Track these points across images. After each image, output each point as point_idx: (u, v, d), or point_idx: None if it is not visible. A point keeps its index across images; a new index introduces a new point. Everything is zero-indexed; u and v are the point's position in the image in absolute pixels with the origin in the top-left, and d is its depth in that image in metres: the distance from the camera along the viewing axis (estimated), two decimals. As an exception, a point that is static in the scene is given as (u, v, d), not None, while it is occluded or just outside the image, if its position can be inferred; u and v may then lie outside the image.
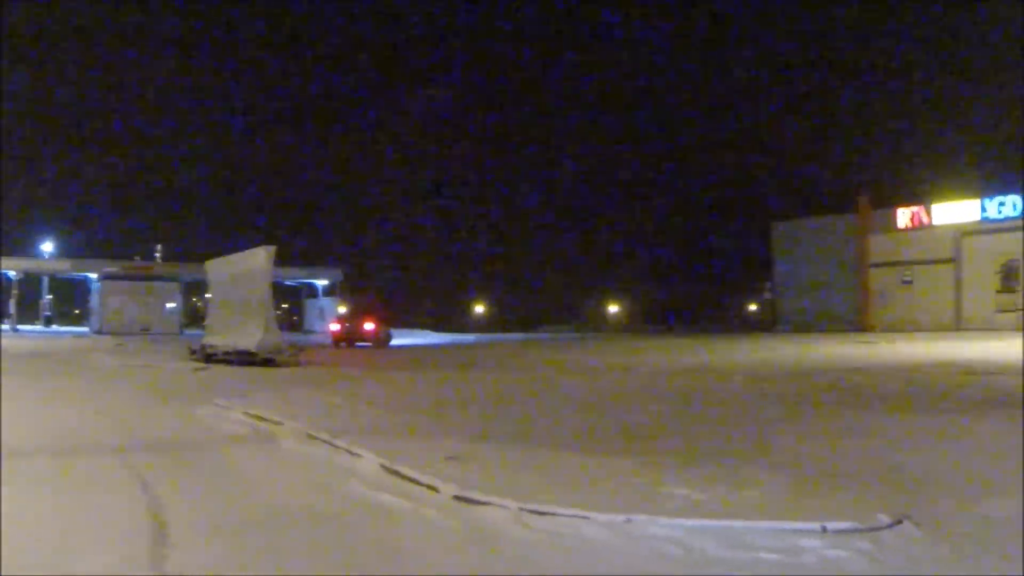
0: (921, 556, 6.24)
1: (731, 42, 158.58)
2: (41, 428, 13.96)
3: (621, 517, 7.01)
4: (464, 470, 9.16)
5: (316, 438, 11.81)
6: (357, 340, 54.79)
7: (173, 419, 15.20)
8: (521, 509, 7.37)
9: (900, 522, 6.79)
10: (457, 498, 7.98)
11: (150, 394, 19.75)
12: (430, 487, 8.48)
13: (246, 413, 14.76)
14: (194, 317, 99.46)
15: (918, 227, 69.40)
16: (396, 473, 9.24)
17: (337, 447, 11.02)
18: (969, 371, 22.66)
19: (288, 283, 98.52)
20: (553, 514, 7.20)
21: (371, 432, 12.32)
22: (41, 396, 19.57)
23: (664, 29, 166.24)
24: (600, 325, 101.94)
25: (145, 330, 78.70)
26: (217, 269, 36.75)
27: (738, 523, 6.82)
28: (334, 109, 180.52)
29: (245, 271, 32.88)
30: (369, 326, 54.70)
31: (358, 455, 10.33)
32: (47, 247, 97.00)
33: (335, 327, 58.57)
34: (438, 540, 6.92)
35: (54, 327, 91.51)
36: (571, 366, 29.41)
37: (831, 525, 6.67)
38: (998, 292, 64.58)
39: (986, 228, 64.77)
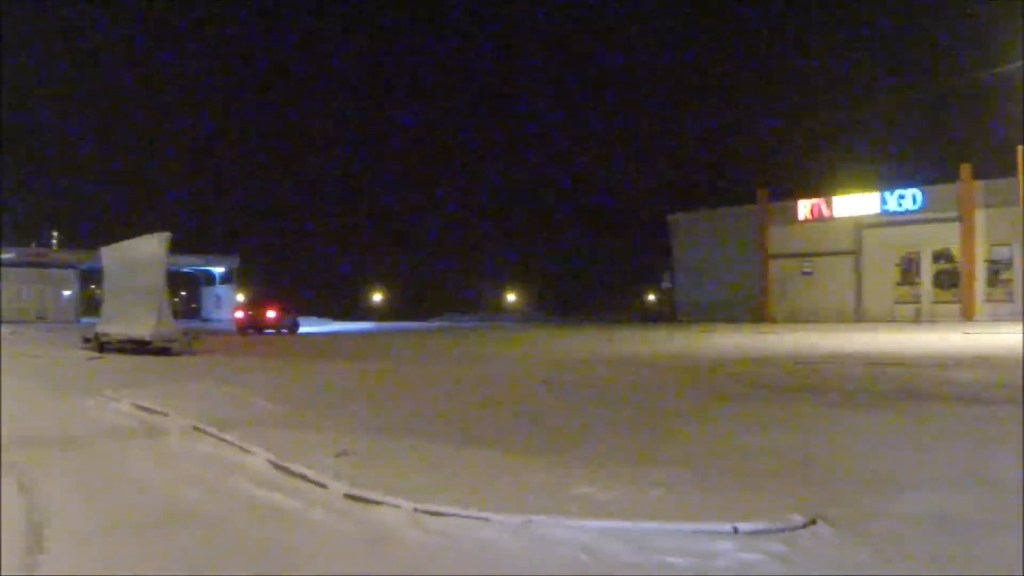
0: (837, 558, 5.94)
1: (631, 28, 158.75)
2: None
3: (521, 518, 6.64)
4: (357, 466, 8.77)
5: (204, 432, 11.35)
6: (262, 327, 54.69)
7: (58, 411, 14.58)
8: (416, 509, 6.99)
9: (814, 522, 6.50)
10: (348, 497, 7.59)
11: (38, 384, 19.12)
12: (320, 485, 8.08)
13: (134, 405, 14.26)
14: (92, 305, 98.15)
15: (818, 219, 69.89)
16: (285, 470, 8.82)
17: (225, 441, 10.58)
18: (873, 362, 22.60)
19: (185, 271, 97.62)
20: (449, 515, 6.82)
21: (263, 425, 11.93)
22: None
23: (561, 16, 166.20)
24: (501, 315, 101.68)
25: (41, 318, 77.51)
26: (111, 256, 35.99)
27: (646, 525, 6.47)
28: (234, 94, 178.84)
29: (139, 258, 32.23)
30: (272, 313, 54.99)
31: (247, 450, 9.90)
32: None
33: (239, 314, 58.71)
34: (327, 543, 6.49)
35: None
36: (463, 356, 29.12)
37: (743, 526, 6.35)
38: (897, 284, 65.29)
39: (886, 221, 65.36)
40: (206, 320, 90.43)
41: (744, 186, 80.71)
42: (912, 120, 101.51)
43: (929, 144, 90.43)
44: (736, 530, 6.30)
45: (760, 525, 6.39)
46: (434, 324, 76.97)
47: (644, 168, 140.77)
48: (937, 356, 24.30)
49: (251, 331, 55.17)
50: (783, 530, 6.34)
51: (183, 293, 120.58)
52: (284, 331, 55.93)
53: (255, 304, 59.43)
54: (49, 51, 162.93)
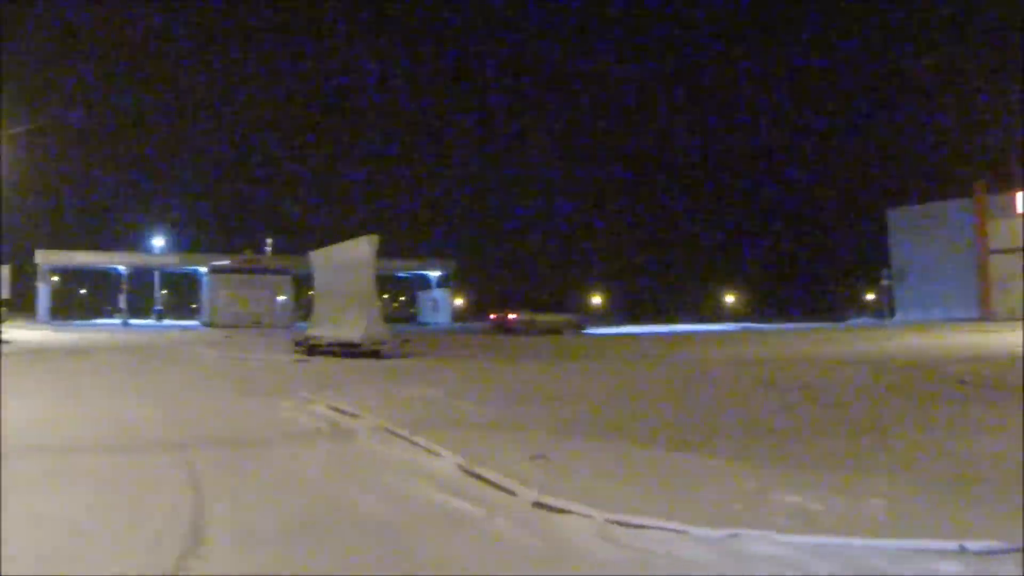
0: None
1: (844, 24, 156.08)
2: (111, 423, 13.29)
3: (724, 532, 6.04)
4: (552, 471, 8.32)
5: (394, 434, 11.05)
6: (508, 329, 56.50)
7: (250, 413, 14.53)
8: (608, 520, 6.46)
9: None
10: (537, 505, 7.11)
11: (239, 387, 19.15)
12: (508, 491, 7.62)
13: (329, 406, 14.11)
14: (307, 310, 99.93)
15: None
16: (474, 474, 8.41)
17: (415, 444, 10.23)
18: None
19: (401, 275, 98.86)
20: (645, 527, 6.27)
21: (460, 427, 11.63)
22: (125, 390, 18.96)
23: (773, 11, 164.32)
24: (720, 316, 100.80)
25: (255, 323, 78.95)
26: (321, 260, 36.38)
27: (861, 541, 5.82)
28: (444, 104, 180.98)
29: (349, 261, 32.47)
30: (512, 316, 57.68)
31: (436, 453, 9.54)
32: (158, 242, 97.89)
33: (492, 316, 62.81)
34: (504, 555, 6.03)
35: (166, 321, 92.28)
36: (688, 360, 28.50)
37: (971, 545, 5.62)
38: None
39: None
40: (422, 324, 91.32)
41: (963, 179, 78.30)
42: None
43: None
44: (963, 548, 5.59)
45: (991, 544, 5.65)
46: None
47: (860, 163, 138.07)
48: None
49: (517, 332, 56.55)
50: (1017, 549, 5.60)
51: (401, 298, 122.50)
52: (568, 333, 56.79)
53: (528, 306, 61.58)
54: (270, 62, 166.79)
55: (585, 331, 58.37)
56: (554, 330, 56.69)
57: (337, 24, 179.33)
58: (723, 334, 51.68)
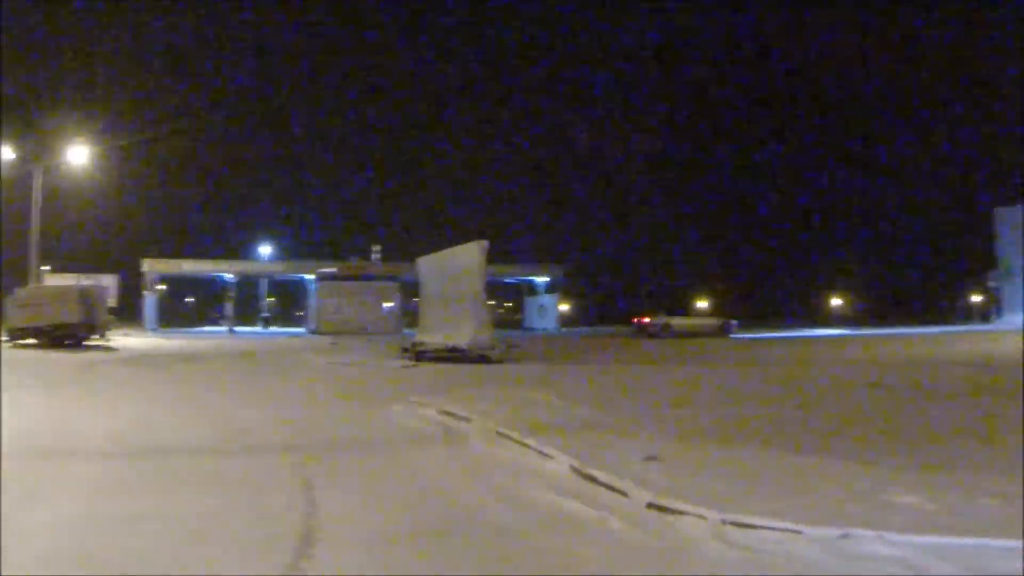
0: None
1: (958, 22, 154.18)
2: (223, 427, 13.57)
3: (837, 531, 6.06)
4: (665, 473, 8.33)
5: (506, 437, 11.11)
6: (668, 333, 56.98)
7: (361, 417, 14.74)
8: (723, 521, 6.48)
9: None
10: (651, 506, 7.15)
11: (348, 392, 19.32)
12: (621, 492, 7.66)
13: (440, 410, 14.22)
14: (414, 317, 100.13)
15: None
16: (587, 476, 8.46)
17: (527, 447, 10.29)
18: None
19: (508, 281, 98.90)
20: (758, 527, 6.30)
21: (571, 430, 11.60)
22: (237, 395, 19.22)
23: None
24: (829, 320, 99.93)
25: (362, 330, 79.29)
26: (429, 265, 36.55)
27: (976, 541, 5.80)
28: (554, 110, 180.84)
29: (457, 267, 32.59)
30: (647, 319, 59.17)
31: (549, 456, 9.61)
32: (265, 249, 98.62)
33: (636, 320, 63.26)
34: (620, 556, 6.12)
35: (272, 328, 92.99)
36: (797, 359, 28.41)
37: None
38: None
39: None
40: (529, 329, 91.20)
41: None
42: None
43: None
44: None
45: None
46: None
47: (967, 160, 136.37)
48: None
49: (654, 336, 57.17)
50: None
51: (508, 304, 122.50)
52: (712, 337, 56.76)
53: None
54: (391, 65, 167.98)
55: (732, 335, 58.22)
56: (695, 333, 56.77)
57: (433, 31, 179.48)
58: (854, 338, 51.28)
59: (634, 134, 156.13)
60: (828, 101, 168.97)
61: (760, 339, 51.41)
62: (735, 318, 62.53)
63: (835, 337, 52.07)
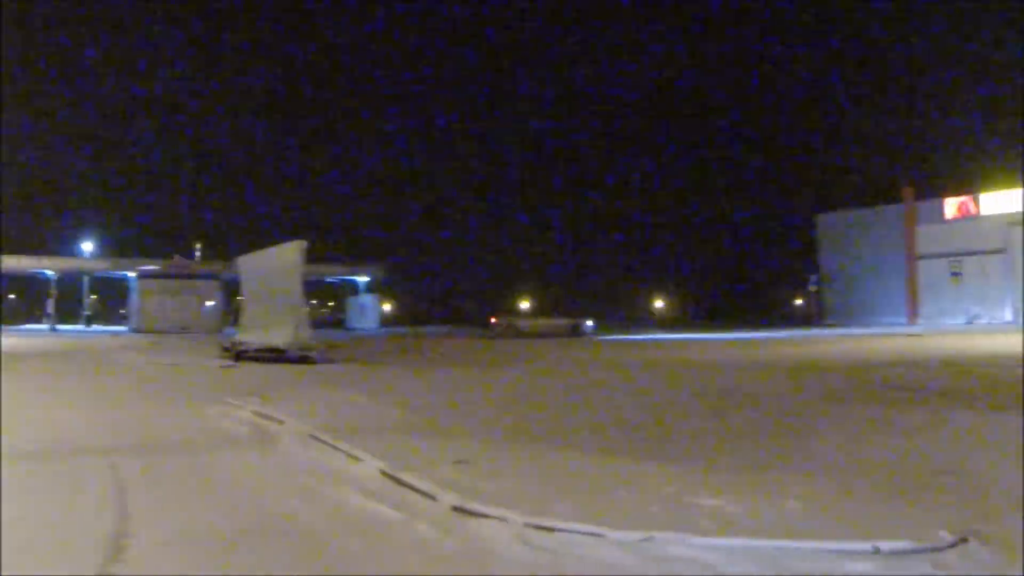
0: (990, 581, 5.30)
1: (772, 33, 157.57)
2: (37, 430, 13.11)
3: (640, 535, 6.05)
4: (474, 476, 8.32)
5: (318, 440, 10.97)
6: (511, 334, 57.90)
7: (175, 418, 14.39)
8: (526, 524, 6.43)
9: (965, 540, 5.80)
10: (456, 509, 7.07)
11: (164, 393, 19.03)
12: (428, 496, 7.59)
13: (254, 412, 14.02)
14: (236, 315, 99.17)
15: (966, 217, 68.69)
16: (395, 479, 8.37)
17: (338, 450, 10.18)
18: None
19: (330, 280, 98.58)
20: (561, 530, 6.26)
21: (384, 432, 11.63)
22: (49, 396, 18.78)
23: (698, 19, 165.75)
24: (646, 319, 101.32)
25: (184, 328, 78.45)
26: (248, 265, 36.23)
27: (777, 543, 5.84)
28: (366, 108, 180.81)
29: (276, 267, 32.34)
30: (493, 320, 60.58)
31: (358, 459, 9.49)
32: (87, 246, 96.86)
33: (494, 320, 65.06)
34: (424, 560, 6.00)
35: (95, 326, 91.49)
36: (605, 362, 28.66)
37: (884, 545, 5.68)
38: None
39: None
40: (350, 329, 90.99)
41: (890, 184, 79.36)
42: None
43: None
44: (877, 549, 5.66)
45: (903, 544, 5.71)
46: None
47: (787, 168, 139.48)
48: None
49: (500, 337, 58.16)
50: (930, 550, 5.67)
51: (330, 303, 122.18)
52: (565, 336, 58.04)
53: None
54: (193, 66, 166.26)
55: (584, 336, 58.71)
56: (546, 334, 57.19)
57: (261, 25, 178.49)
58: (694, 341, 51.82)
59: (459, 136, 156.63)
60: (660, 107, 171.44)
61: (615, 341, 51.59)
62: (591, 318, 63.29)
63: (698, 340, 52.55)
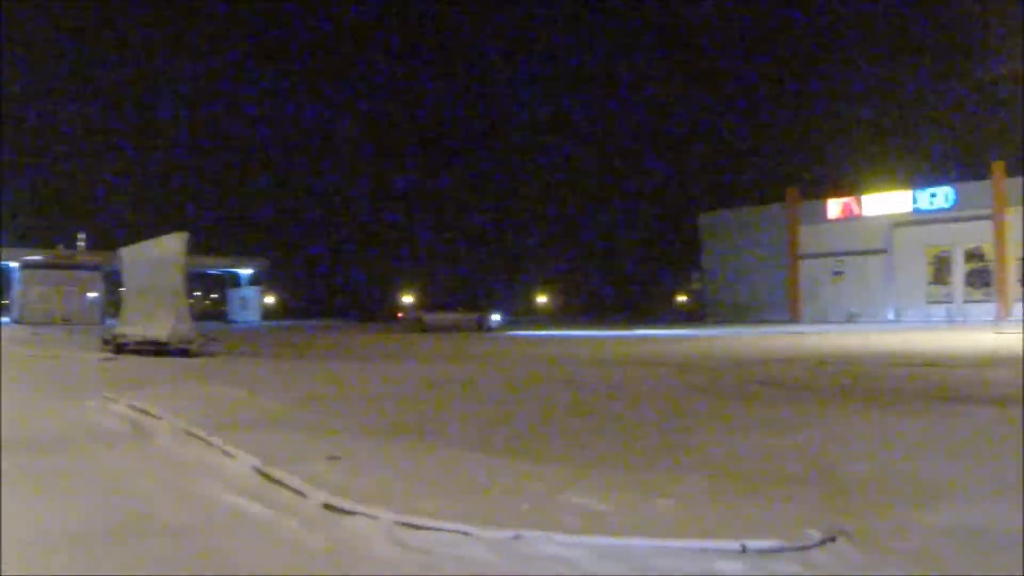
0: (858, 581, 5.33)
1: (658, 32, 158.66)
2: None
3: (509, 533, 6.02)
4: (347, 472, 8.20)
5: (194, 435, 10.79)
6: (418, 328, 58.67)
7: (52, 412, 14.06)
8: (395, 522, 6.37)
9: (833, 539, 5.82)
10: (327, 507, 6.99)
11: (40, 385, 18.70)
12: (299, 492, 7.51)
13: (130, 407, 13.75)
14: (118, 307, 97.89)
15: (849, 218, 69.69)
16: (267, 476, 8.27)
17: (212, 445, 10.03)
18: (903, 363, 22.21)
19: (212, 272, 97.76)
20: (431, 528, 6.20)
21: (261, 427, 11.40)
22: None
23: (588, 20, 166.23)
24: (532, 316, 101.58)
25: (66, 320, 77.39)
26: (130, 256, 35.72)
27: (645, 542, 5.82)
28: (250, 98, 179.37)
29: (157, 258, 31.96)
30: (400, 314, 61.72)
31: (232, 455, 9.35)
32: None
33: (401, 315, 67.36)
34: (293, 559, 5.91)
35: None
36: (489, 355, 28.74)
37: (753, 544, 5.67)
38: (929, 283, 65.08)
39: (918, 219, 65.18)
40: (232, 322, 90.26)
41: (775, 185, 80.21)
42: (944, 117, 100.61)
43: (962, 141, 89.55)
44: (744, 548, 5.67)
45: (772, 543, 5.72)
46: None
47: (674, 166, 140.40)
48: (970, 356, 23.93)
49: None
50: (798, 548, 5.68)
51: (213, 295, 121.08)
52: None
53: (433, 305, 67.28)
54: (79, 53, 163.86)
55: (491, 330, 59.01)
56: (451, 328, 57.59)
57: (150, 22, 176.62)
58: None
59: (346, 127, 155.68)
60: (553, 100, 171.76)
61: (521, 336, 51.45)
62: (498, 312, 63.52)
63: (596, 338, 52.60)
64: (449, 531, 6.13)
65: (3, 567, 5.72)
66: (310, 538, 6.30)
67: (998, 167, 61.33)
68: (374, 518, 6.51)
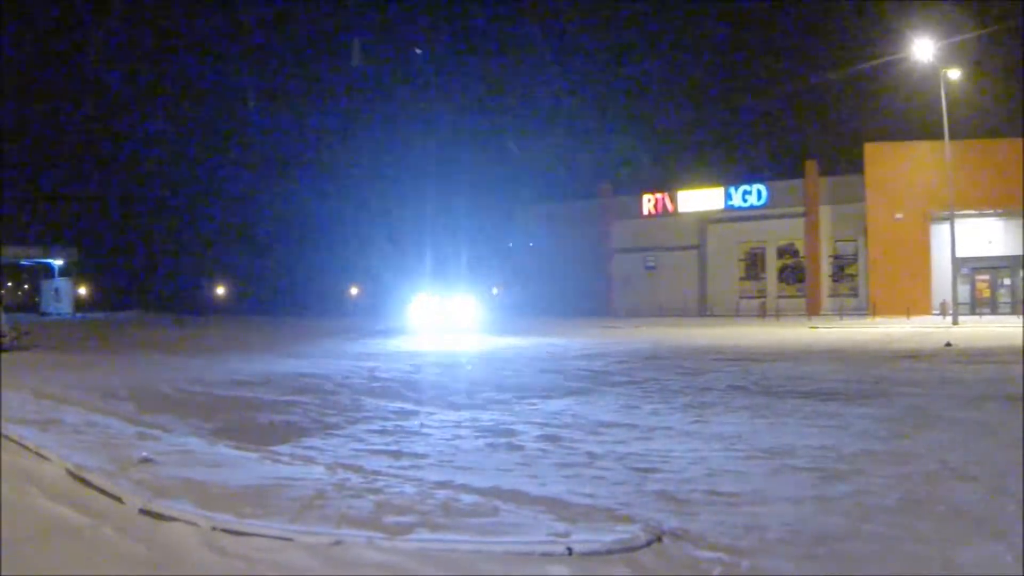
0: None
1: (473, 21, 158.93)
2: None
3: (330, 539, 6.01)
4: (159, 475, 8.10)
5: (7, 437, 10.51)
6: None
7: None
8: (214, 528, 6.30)
9: (660, 539, 5.93)
10: (143, 512, 6.89)
11: None
12: (115, 498, 7.37)
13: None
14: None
15: (663, 214, 70.50)
16: (82, 480, 8.11)
17: (27, 448, 9.80)
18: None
19: (24, 263, 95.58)
20: (250, 534, 6.15)
21: (76, 427, 11.19)
22: None
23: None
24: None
25: None
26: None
27: (469, 543, 5.87)
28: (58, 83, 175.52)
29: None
30: None
31: (46, 458, 9.15)
32: None
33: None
34: (112, 568, 5.81)
35: None
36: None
37: (578, 546, 5.74)
38: (741, 279, 66.34)
39: (731, 216, 66.34)
40: (44, 314, 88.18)
41: (589, 181, 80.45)
42: (759, 116, 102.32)
43: (775, 141, 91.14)
44: (571, 550, 5.71)
45: (597, 544, 5.81)
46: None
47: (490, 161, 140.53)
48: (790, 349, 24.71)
49: None
50: (625, 549, 5.76)
51: (25, 286, 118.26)
52: None
53: None
54: None
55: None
56: None
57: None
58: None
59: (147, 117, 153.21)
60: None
61: None
62: None
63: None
64: (269, 537, 6.08)
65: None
66: (129, 545, 6.19)
67: (811, 166, 62.70)
68: (193, 524, 6.41)
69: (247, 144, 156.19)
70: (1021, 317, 43.20)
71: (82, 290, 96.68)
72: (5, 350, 27.65)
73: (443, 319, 34.35)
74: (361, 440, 10.87)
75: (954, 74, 43.04)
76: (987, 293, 54.55)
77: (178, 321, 62.11)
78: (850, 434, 10.71)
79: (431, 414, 13.04)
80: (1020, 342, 25.41)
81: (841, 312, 56.19)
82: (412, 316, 34.16)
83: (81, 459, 8.79)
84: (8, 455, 9.72)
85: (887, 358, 22.22)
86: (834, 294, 61.34)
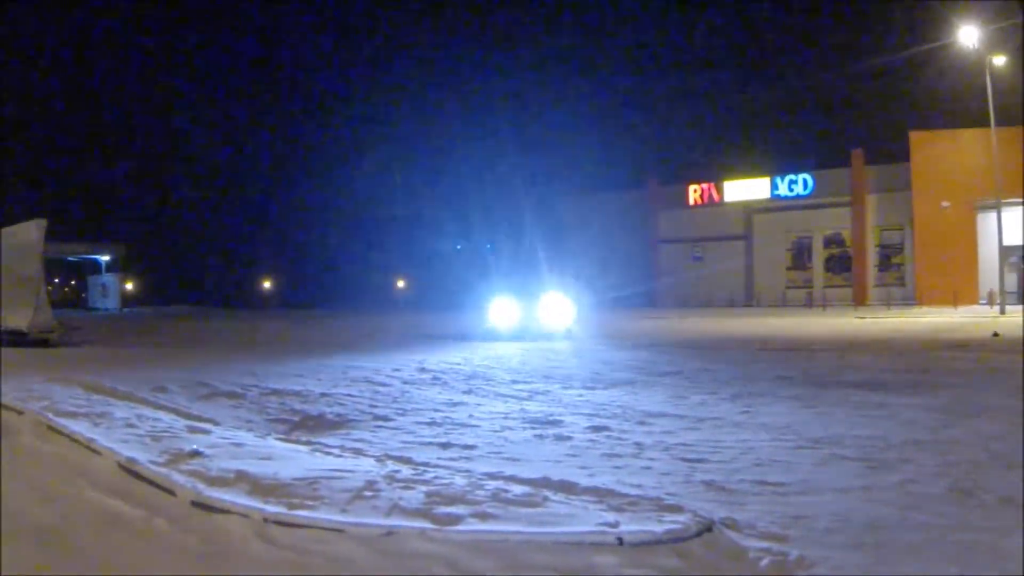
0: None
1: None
2: None
3: (381, 530, 6.02)
4: (209, 467, 8.12)
5: (57, 431, 10.55)
6: None
7: None
8: (265, 520, 6.33)
9: (709, 528, 5.92)
10: (195, 504, 6.94)
11: None
12: (167, 490, 7.42)
13: (-10, 400, 13.44)
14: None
15: (708, 204, 70.43)
16: (134, 473, 8.16)
17: (77, 441, 9.85)
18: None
19: (71, 259, 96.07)
20: (302, 525, 6.19)
21: (123, 421, 11.08)
22: None
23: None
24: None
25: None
26: (-14, 245, 34.97)
27: (521, 534, 5.86)
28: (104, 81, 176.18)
29: (14, 247, 31.26)
30: None
31: (97, 451, 9.21)
32: None
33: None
34: (165, 560, 5.87)
35: None
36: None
37: (629, 536, 5.71)
38: (788, 269, 66.15)
39: (777, 205, 66.20)
40: (92, 309, 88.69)
41: (636, 171, 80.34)
42: (804, 105, 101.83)
43: (821, 130, 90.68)
44: (621, 540, 5.70)
45: (648, 534, 5.78)
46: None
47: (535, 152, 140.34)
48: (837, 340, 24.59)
49: None
50: (674, 539, 5.77)
51: (73, 282, 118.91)
52: None
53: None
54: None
55: None
56: None
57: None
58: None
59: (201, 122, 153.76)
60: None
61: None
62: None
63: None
64: (321, 528, 6.10)
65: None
66: (182, 538, 6.23)
67: (857, 156, 62.59)
68: (245, 516, 6.42)
69: (296, 139, 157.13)
70: (1069, 306, 42.80)
71: (128, 285, 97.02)
72: (53, 346, 27.80)
73: (533, 322, 31.79)
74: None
75: (1000, 60, 42.73)
76: (1034, 282, 54.11)
77: (229, 315, 62.29)
78: (897, 424, 10.67)
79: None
80: (1068, 331, 25.22)
81: (888, 302, 56.01)
82: (494, 319, 31.73)
83: (132, 452, 8.79)
84: (60, 448, 9.78)
85: (934, 348, 22.11)
86: (881, 283, 61.16)
